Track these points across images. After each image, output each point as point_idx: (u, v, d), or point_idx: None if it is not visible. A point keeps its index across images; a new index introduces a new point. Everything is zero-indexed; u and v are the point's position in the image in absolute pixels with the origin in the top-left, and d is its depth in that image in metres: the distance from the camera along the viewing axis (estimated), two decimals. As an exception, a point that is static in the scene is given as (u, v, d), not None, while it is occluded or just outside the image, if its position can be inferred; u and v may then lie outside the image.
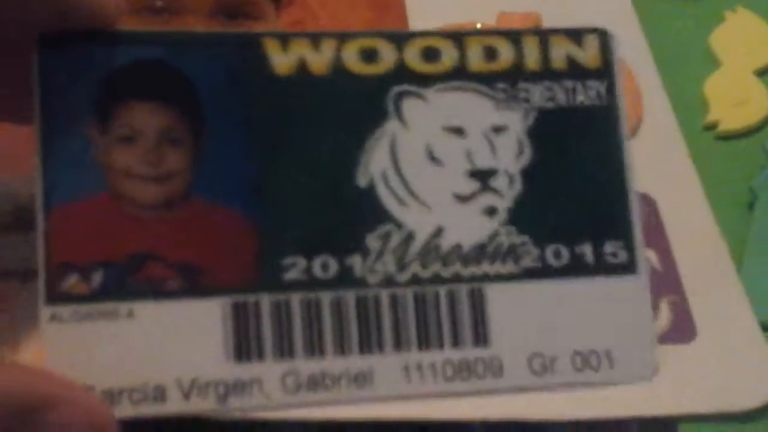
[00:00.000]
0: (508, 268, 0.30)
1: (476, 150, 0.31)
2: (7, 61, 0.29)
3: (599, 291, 0.30)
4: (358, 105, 0.30)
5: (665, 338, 0.34)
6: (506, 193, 0.30)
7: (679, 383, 0.32)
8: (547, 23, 0.38)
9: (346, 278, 0.29)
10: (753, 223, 0.39)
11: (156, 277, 0.28)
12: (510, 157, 0.31)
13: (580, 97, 0.31)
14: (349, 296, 0.29)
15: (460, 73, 0.31)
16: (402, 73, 0.30)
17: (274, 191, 0.29)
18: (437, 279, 0.30)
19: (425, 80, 0.31)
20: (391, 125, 0.30)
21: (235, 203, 0.29)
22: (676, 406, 0.32)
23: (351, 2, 0.44)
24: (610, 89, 0.32)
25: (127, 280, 0.28)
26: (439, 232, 0.30)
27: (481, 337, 0.29)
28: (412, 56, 0.31)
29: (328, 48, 0.30)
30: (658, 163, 0.39)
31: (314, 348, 0.29)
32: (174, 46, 0.29)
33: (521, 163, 0.31)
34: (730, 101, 0.43)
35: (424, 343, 0.29)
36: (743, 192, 0.40)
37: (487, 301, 0.30)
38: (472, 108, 0.31)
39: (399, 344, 0.29)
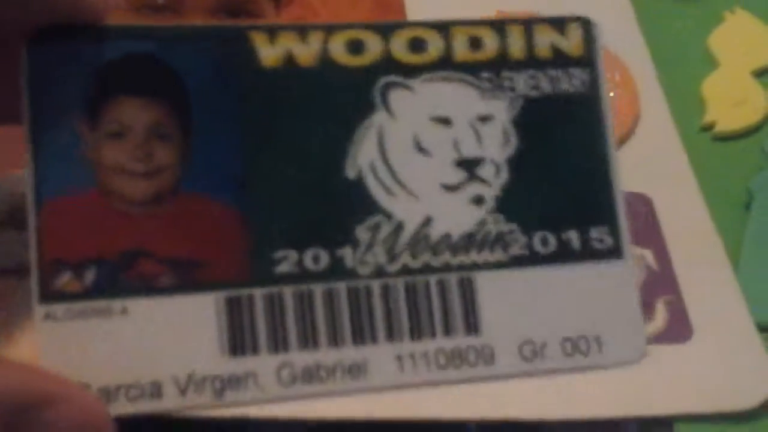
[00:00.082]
0: (497, 256, 0.30)
1: (463, 139, 0.31)
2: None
3: (586, 277, 0.31)
4: (346, 97, 0.30)
5: (661, 338, 0.33)
6: (493, 181, 0.31)
7: (675, 383, 0.32)
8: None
9: (337, 270, 0.29)
10: (749, 223, 0.39)
11: (148, 273, 0.28)
12: (496, 146, 0.31)
13: (564, 85, 0.31)
14: (341, 288, 0.29)
15: (445, 63, 0.31)
16: (389, 64, 0.31)
17: (263, 184, 0.29)
18: (427, 268, 0.30)
19: (411, 71, 0.31)
20: (379, 116, 0.30)
21: (225, 197, 0.29)
22: (673, 406, 0.32)
23: (352, 0, 0.43)
24: (594, 77, 0.32)
25: (120, 277, 0.28)
26: (427, 221, 0.30)
27: (472, 325, 0.30)
28: (399, 47, 0.31)
29: (315, 40, 0.30)
30: (655, 163, 0.39)
31: (308, 340, 0.29)
32: (162, 41, 0.29)
33: (507, 151, 0.31)
34: (728, 102, 0.43)
35: (416, 332, 0.29)
36: (740, 192, 0.40)
37: (477, 290, 0.30)
38: (458, 98, 0.31)
39: (391, 334, 0.29)
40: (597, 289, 0.31)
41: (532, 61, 0.31)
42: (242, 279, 0.29)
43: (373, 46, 0.31)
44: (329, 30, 0.30)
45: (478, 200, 0.30)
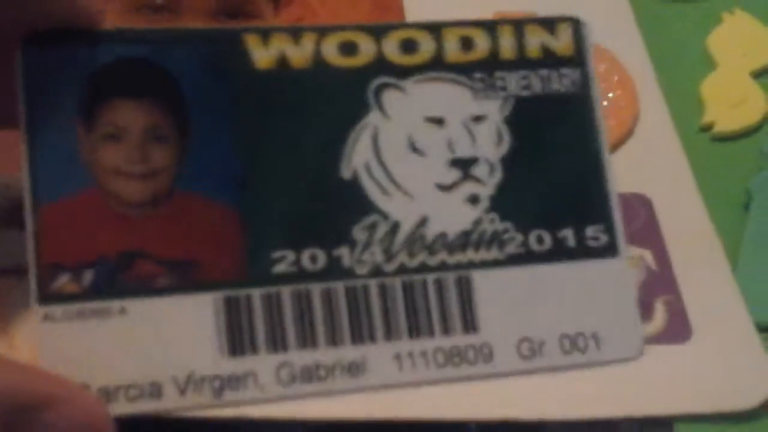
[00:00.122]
0: (493, 254, 0.31)
1: (456, 139, 0.31)
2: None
3: (583, 274, 0.31)
4: (340, 98, 0.31)
5: (660, 338, 0.33)
6: (487, 180, 0.31)
7: (675, 383, 0.32)
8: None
9: (334, 269, 0.29)
10: (748, 223, 0.39)
11: (146, 274, 0.28)
12: (490, 145, 0.31)
13: (555, 85, 0.32)
14: (339, 287, 0.29)
15: (437, 64, 0.31)
16: (381, 66, 0.31)
17: (259, 185, 0.30)
18: (424, 268, 0.30)
19: (404, 72, 0.31)
20: (373, 117, 0.31)
21: (222, 198, 0.29)
22: (672, 406, 0.32)
23: (351, 0, 0.43)
24: (584, 76, 0.32)
25: (118, 278, 0.28)
26: (423, 221, 0.30)
27: (470, 323, 0.30)
28: (391, 48, 0.31)
29: (308, 42, 0.31)
30: (654, 164, 0.39)
31: (306, 339, 0.29)
32: (157, 44, 0.30)
33: (501, 151, 0.31)
34: (727, 103, 0.43)
35: (414, 331, 0.30)
36: (739, 193, 0.40)
37: (474, 288, 0.30)
38: (451, 98, 0.31)
39: (390, 333, 0.29)
40: (593, 286, 0.31)
41: (523, 61, 0.32)
42: (240, 279, 0.29)
43: (366, 47, 0.31)
44: (322, 32, 0.31)
45: (473, 199, 0.31)
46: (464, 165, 0.31)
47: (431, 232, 0.30)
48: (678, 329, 0.34)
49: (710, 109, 0.43)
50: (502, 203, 0.31)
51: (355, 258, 0.30)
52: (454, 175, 0.31)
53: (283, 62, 0.30)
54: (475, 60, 0.32)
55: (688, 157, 0.40)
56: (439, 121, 0.31)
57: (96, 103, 0.29)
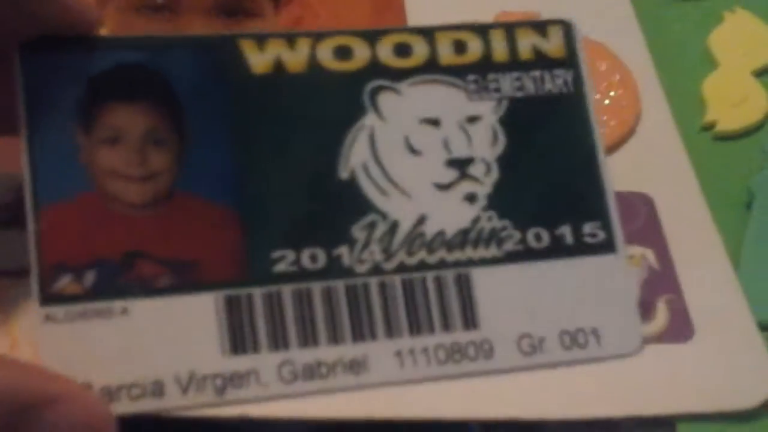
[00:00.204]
0: (492, 252, 0.31)
1: (452, 139, 0.31)
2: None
3: (581, 270, 0.31)
4: (336, 101, 0.31)
5: (663, 337, 0.33)
6: (484, 179, 0.31)
7: (676, 382, 0.32)
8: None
9: (334, 268, 0.30)
10: (750, 222, 0.39)
11: (147, 274, 0.29)
12: (485, 145, 0.32)
13: (548, 86, 0.32)
14: (339, 285, 0.30)
15: (431, 67, 0.32)
16: (376, 69, 0.31)
17: (258, 186, 0.30)
18: (423, 265, 0.30)
19: (399, 75, 0.31)
20: (369, 119, 0.31)
21: (220, 199, 0.30)
22: (674, 405, 0.32)
23: (351, 0, 0.43)
24: (577, 77, 0.33)
25: (120, 278, 0.28)
26: (422, 220, 0.31)
27: (470, 320, 0.30)
28: (385, 52, 0.32)
29: (303, 47, 0.31)
30: (655, 163, 0.39)
31: (308, 337, 0.29)
32: (154, 50, 0.30)
33: (497, 150, 0.32)
34: (728, 102, 0.43)
35: (415, 328, 0.30)
36: (741, 192, 0.40)
37: (473, 285, 0.30)
38: (446, 100, 0.32)
39: (390, 331, 0.29)
40: (592, 282, 0.31)
41: (515, 63, 0.32)
42: (241, 279, 0.29)
43: (360, 51, 0.31)
44: (317, 37, 0.31)
45: (471, 198, 0.31)
46: (461, 164, 0.31)
47: (430, 230, 0.31)
48: (680, 328, 0.34)
49: (712, 108, 0.43)
50: (499, 201, 0.31)
51: (355, 257, 0.30)
52: (451, 174, 0.31)
53: (279, 67, 0.31)
54: (468, 63, 0.32)
55: (690, 157, 0.40)
56: (434, 122, 0.31)
57: (95, 107, 0.29)
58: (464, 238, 0.31)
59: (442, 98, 0.32)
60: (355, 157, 0.31)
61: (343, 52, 0.31)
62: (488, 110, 0.32)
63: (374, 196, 0.31)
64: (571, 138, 0.32)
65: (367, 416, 0.30)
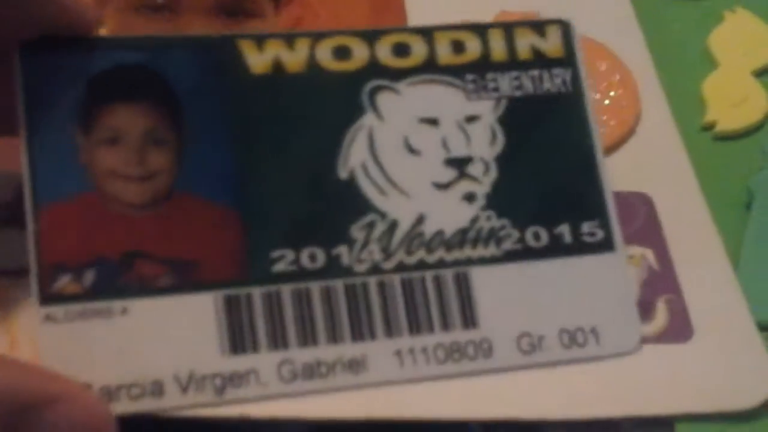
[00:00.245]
0: (491, 251, 0.31)
1: (451, 139, 0.32)
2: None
3: (580, 269, 0.31)
4: (335, 100, 0.31)
5: (662, 337, 0.33)
6: (483, 179, 0.32)
7: (676, 382, 0.32)
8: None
9: (333, 268, 0.30)
10: (750, 222, 0.38)
11: (147, 274, 0.29)
12: (484, 144, 0.32)
13: (547, 85, 0.33)
14: (338, 285, 0.30)
15: (430, 67, 0.32)
16: (375, 69, 0.32)
17: (257, 186, 0.30)
18: (423, 265, 0.30)
19: (397, 74, 0.32)
20: (368, 119, 0.31)
21: (220, 198, 0.30)
22: (673, 406, 0.32)
23: (351, 0, 0.43)
24: (575, 76, 0.33)
25: (119, 278, 0.29)
26: (421, 219, 0.31)
27: (469, 319, 0.30)
28: (384, 52, 0.32)
29: (302, 47, 0.31)
30: (655, 163, 0.39)
31: (307, 337, 0.29)
32: (152, 50, 0.30)
33: (495, 150, 0.32)
34: (728, 101, 0.43)
35: (414, 327, 0.30)
36: (740, 192, 0.40)
37: (472, 284, 0.31)
38: (444, 99, 0.32)
39: (390, 330, 0.30)
40: (591, 281, 0.31)
41: (514, 63, 0.33)
42: (240, 278, 0.29)
43: (359, 51, 0.32)
44: (316, 37, 0.31)
45: (470, 197, 0.31)
46: (459, 164, 0.31)
47: (429, 230, 0.31)
48: (679, 328, 0.34)
49: (712, 108, 0.43)
50: (498, 201, 0.31)
51: (354, 256, 0.30)
52: (449, 174, 0.31)
53: (278, 67, 0.31)
54: (467, 62, 0.32)
55: (690, 156, 0.40)
56: (433, 122, 0.32)
57: (94, 107, 0.29)
58: (463, 237, 0.31)
59: (440, 98, 0.32)
60: (354, 156, 0.31)
61: (342, 53, 0.32)
62: (487, 110, 0.32)
63: (373, 196, 0.31)
64: (569, 137, 0.33)
65: (366, 417, 0.30)
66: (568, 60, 0.33)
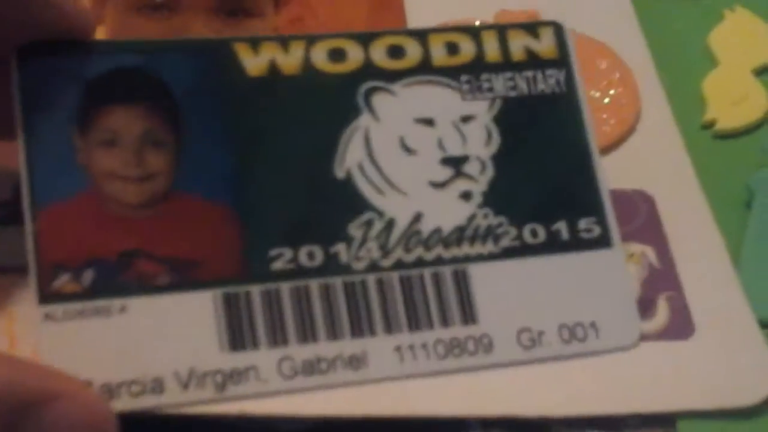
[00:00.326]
0: (488, 248, 0.31)
1: (447, 139, 0.32)
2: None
3: (578, 265, 0.32)
4: (331, 102, 0.31)
5: (663, 335, 0.33)
6: (479, 177, 0.32)
7: (677, 380, 0.32)
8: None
9: (332, 266, 0.30)
10: (750, 220, 0.38)
11: (146, 272, 0.29)
12: (480, 144, 0.32)
13: (541, 86, 0.33)
14: (337, 282, 0.30)
15: (425, 68, 0.32)
16: (370, 70, 0.32)
17: (254, 185, 0.30)
18: (421, 262, 0.31)
19: (393, 76, 0.32)
20: (364, 119, 0.32)
21: (218, 198, 0.30)
22: (674, 403, 0.32)
23: (351, -1, 0.44)
24: (569, 77, 0.33)
25: (118, 277, 0.29)
26: (418, 217, 0.31)
27: (468, 315, 0.30)
28: (379, 54, 0.32)
29: (297, 50, 0.32)
30: (655, 161, 0.39)
31: (307, 334, 0.29)
32: (149, 54, 0.31)
33: (491, 149, 0.32)
34: (728, 100, 0.43)
35: (414, 324, 0.30)
36: (741, 190, 0.40)
37: (471, 281, 0.31)
38: (440, 100, 0.32)
39: (389, 326, 0.30)
40: (589, 277, 0.32)
41: (508, 64, 0.33)
42: (239, 277, 0.29)
43: (354, 53, 0.32)
44: (310, 40, 0.32)
45: (466, 196, 0.32)
46: (456, 163, 0.32)
47: (426, 228, 0.31)
48: (680, 326, 0.34)
49: (712, 106, 0.43)
50: (494, 199, 0.32)
51: (352, 254, 0.30)
52: (446, 172, 0.32)
53: (273, 69, 0.31)
54: (461, 63, 0.33)
55: (690, 155, 0.40)
56: (429, 122, 0.32)
57: (92, 109, 0.30)
58: (461, 234, 0.31)
59: (435, 98, 0.32)
60: (350, 156, 0.31)
61: (336, 55, 0.32)
62: (482, 110, 0.32)
63: (370, 195, 0.31)
64: (564, 136, 0.33)
65: (366, 414, 0.30)
66: (561, 61, 0.34)
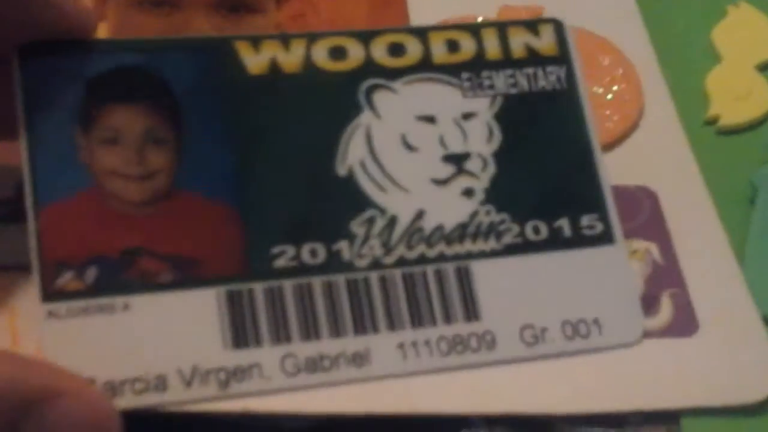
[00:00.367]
0: (491, 245, 0.31)
1: (448, 136, 0.32)
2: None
3: (581, 262, 0.32)
4: (332, 99, 0.31)
5: (667, 332, 0.33)
6: (481, 174, 0.32)
7: (681, 376, 0.32)
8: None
9: (335, 263, 0.30)
10: (754, 217, 0.38)
11: (149, 270, 0.29)
12: (481, 141, 0.32)
13: (542, 82, 0.33)
14: (340, 280, 0.30)
15: (426, 66, 0.32)
16: (371, 68, 0.32)
17: (255, 183, 0.30)
18: (423, 259, 0.31)
19: (393, 74, 0.32)
20: (365, 117, 0.31)
21: (220, 196, 0.30)
22: (678, 400, 0.32)
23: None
24: (570, 73, 0.33)
25: (121, 274, 0.29)
26: (420, 215, 0.31)
27: (471, 312, 0.30)
28: (379, 52, 0.32)
29: (298, 48, 0.32)
30: (659, 157, 0.39)
31: (309, 331, 0.29)
32: (150, 52, 0.31)
33: (492, 146, 0.32)
34: (732, 96, 0.43)
35: (416, 321, 0.30)
36: (745, 186, 0.40)
37: (473, 278, 0.31)
38: (441, 97, 0.32)
39: (392, 323, 0.30)
40: (592, 273, 0.32)
41: (508, 61, 0.33)
42: (242, 274, 0.29)
43: (355, 51, 0.32)
44: (311, 38, 0.32)
45: (468, 192, 0.31)
46: (457, 160, 0.32)
47: (429, 225, 0.31)
48: (684, 323, 0.34)
49: (715, 102, 0.43)
50: (496, 196, 0.32)
51: (355, 252, 0.30)
52: (448, 169, 0.32)
53: (274, 68, 0.31)
54: (462, 61, 0.33)
55: (693, 151, 0.40)
56: (430, 119, 0.32)
57: (94, 108, 0.30)
58: (463, 231, 0.31)
59: (437, 96, 0.32)
60: (352, 154, 0.31)
61: (337, 53, 0.32)
62: (483, 107, 0.32)
63: (372, 192, 0.31)
64: (566, 132, 0.33)
65: (369, 411, 0.30)
66: (562, 58, 0.34)
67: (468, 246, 0.31)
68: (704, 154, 0.40)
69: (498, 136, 0.32)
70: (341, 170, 0.31)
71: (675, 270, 0.35)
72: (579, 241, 0.32)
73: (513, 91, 0.33)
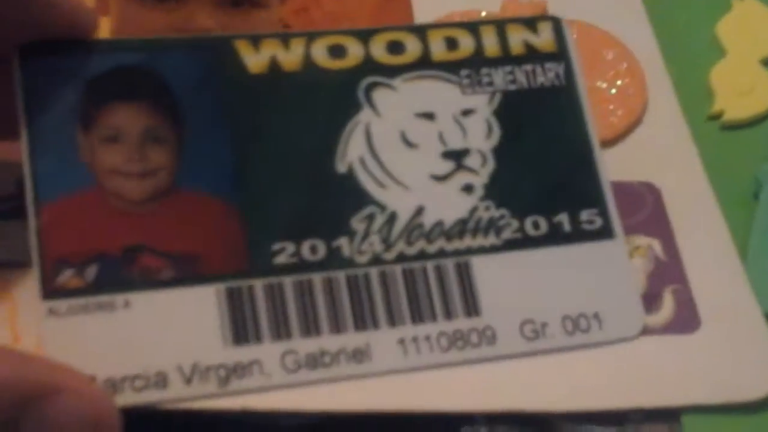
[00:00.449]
0: (491, 240, 0.31)
1: (448, 132, 0.32)
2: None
3: (580, 257, 0.32)
4: (331, 97, 0.32)
5: (669, 328, 0.33)
6: (480, 170, 0.32)
7: (683, 373, 0.32)
8: (553, 11, 0.38)
9: (335, 259, 0.30)
10: (758, 213, 0.38)
11: (149, 267, 0.29)
12: (480, 137, 0.32)
13: (540, 79, 0.33)
14: (340, 276, 0.30)
15: (425, 63, 0.33)
16: (370, 66, 0.32)
17: (256, 181, 0.30)
18: (423, 255, 0.31)
19: (393, 71, 0.32)
20: (365, 114, 0.32)
21: (221, 193, 0.30)
22: (680, 397, 0.32)
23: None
24: (568, 70, 0.33)
25: (122, 272, 0.29)
26: (420, 211, 0.31)
27: (471, 307, 0.30)
28: (378, 50, 0.32)
29: (297, 46, 0.32)
30: (662, 152, 0.39)
31: (310, 327, 0.29)
32: (151, 52, 0.31)
33: (492, 142, 0.32)
34: (736, 90, 0.42)
35: (417, 316, 0.30)
36: (748, 182, 0.39)
37: (473, 273, 0.31)
38: (440, 94, 0.32)
39: (393, 319, 0.30)
40: (591, 268, 0.32)
41: (507, 58, 0.33)
42: (242, 271, 0.29)
43: (354, 49, 0.32)
44: (310, 37, 0.32)
45: (468, 188, 0.32)
46: (457, 156, 0.32)
47: (428, 220, 0.31)
48: (686, 319, 0.34)
49: (719, 97, 0.42)
50: (496, 191, 0.32)
51: (355, 248, 0.30)
52: (447, 166, 0.32)
53: (274, 66, 0.31)
54: (461, 58, 0.33)
55: (697, 146, 0.40)
56: (429, 116, 0.32)
57: (94, 107, 0.30)
58: (463, 227, 0.31)
59: (436, 93, 0.32)
60: (352, 151, 0.31)
61: (337, 51, 0.32)
62: (482, 103, 0.33)
63: (372, 189, 0.31)
64: (565, 128, 0.33)
65: (369, 409, 0.30)
66: (560, 54, 0.34)
67: (468, 241, 0.31)
68: (708, 150, 0.40)
69: (497, 132, 0.32)
70: (341, 167, 0.31)
71: (677, 266, 0.35)
72: (578, 235, 0.32)
73: (512, 87, 0.33)
